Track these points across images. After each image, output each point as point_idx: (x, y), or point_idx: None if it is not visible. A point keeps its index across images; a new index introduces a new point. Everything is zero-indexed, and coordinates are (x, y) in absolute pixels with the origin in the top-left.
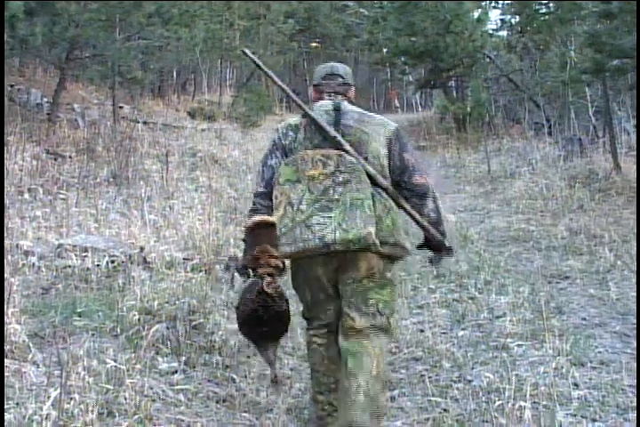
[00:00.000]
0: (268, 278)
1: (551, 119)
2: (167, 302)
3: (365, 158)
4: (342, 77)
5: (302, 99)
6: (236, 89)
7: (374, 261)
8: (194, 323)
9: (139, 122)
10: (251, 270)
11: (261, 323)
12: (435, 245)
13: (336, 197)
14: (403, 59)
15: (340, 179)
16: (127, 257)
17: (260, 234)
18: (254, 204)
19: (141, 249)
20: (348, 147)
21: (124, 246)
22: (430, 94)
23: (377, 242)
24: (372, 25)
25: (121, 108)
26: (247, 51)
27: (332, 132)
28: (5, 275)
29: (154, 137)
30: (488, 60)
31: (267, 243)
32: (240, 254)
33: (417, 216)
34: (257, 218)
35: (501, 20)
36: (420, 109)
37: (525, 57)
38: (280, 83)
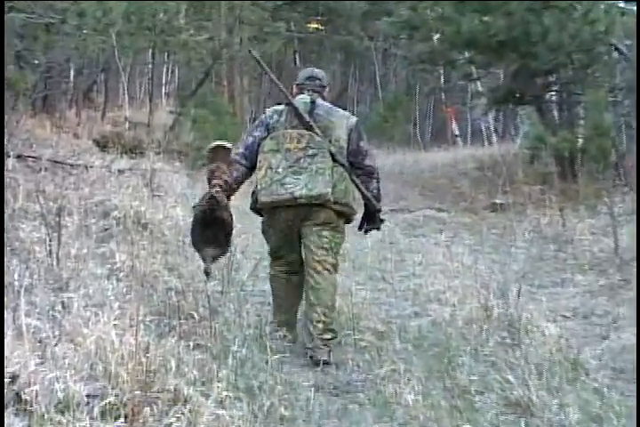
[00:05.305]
0: (217, 188)
1: None
2: None
3: (329, 141)
4: (320, 80)
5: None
6: (178, 101)
7: (329, 214)
8: None
9: (9, 156)
10: (207, 180)
11: (206, 226)
12: (371, 214)
13: (305, 165)
14: (467, 53)
15: (310, 152)
16: None
17: (217, 155)
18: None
19: (13, 378)
20: (317, 130)
21: None
22: (514, 115)
23: (331, 199)
24: None
25: None
26: (254, 52)
27: (307, 118)
28: None
29: (36, 182)
30: (617, 54)
31: (221, 161)
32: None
33: (363, 189)
34: (216, 142)
35: None
36: (495, 140)
37: None
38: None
